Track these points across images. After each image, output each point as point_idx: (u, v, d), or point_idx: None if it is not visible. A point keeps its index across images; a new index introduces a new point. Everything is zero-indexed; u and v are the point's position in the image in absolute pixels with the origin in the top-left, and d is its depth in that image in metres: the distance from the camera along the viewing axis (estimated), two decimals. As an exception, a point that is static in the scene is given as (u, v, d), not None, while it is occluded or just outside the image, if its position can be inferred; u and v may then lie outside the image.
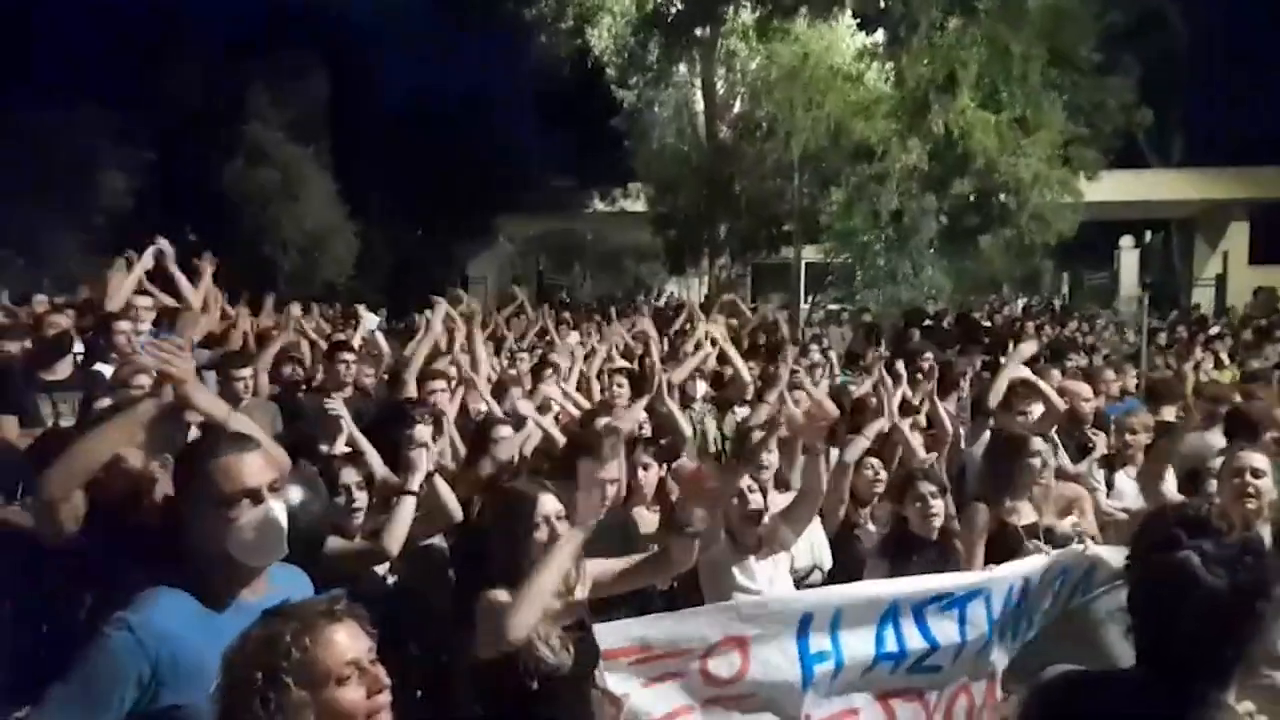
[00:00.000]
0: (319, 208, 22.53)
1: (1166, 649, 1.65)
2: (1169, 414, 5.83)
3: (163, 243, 6.63)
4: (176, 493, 2.24)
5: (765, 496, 3.99)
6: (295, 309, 7.64)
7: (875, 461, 4.64)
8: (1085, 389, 5.98)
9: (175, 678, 1.96)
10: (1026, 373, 5.53)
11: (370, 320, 9.04)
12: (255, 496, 2.11)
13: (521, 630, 2.51)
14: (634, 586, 3.12)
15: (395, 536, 3.31)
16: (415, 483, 3.40)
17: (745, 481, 3.88)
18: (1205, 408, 5.78)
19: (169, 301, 6.96)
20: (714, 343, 7.04)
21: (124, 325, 5.80)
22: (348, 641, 1.73)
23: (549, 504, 2.82)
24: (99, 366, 5.55)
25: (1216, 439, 5.11)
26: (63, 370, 5.38)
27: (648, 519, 4.32)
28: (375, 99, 25.51)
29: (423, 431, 3.79)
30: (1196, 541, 1.62)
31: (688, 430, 5.63)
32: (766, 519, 3.89)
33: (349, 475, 3.46)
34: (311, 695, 1.66)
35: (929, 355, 7.24)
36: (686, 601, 3.68)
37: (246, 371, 5.23)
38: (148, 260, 6.68)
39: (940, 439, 5.39)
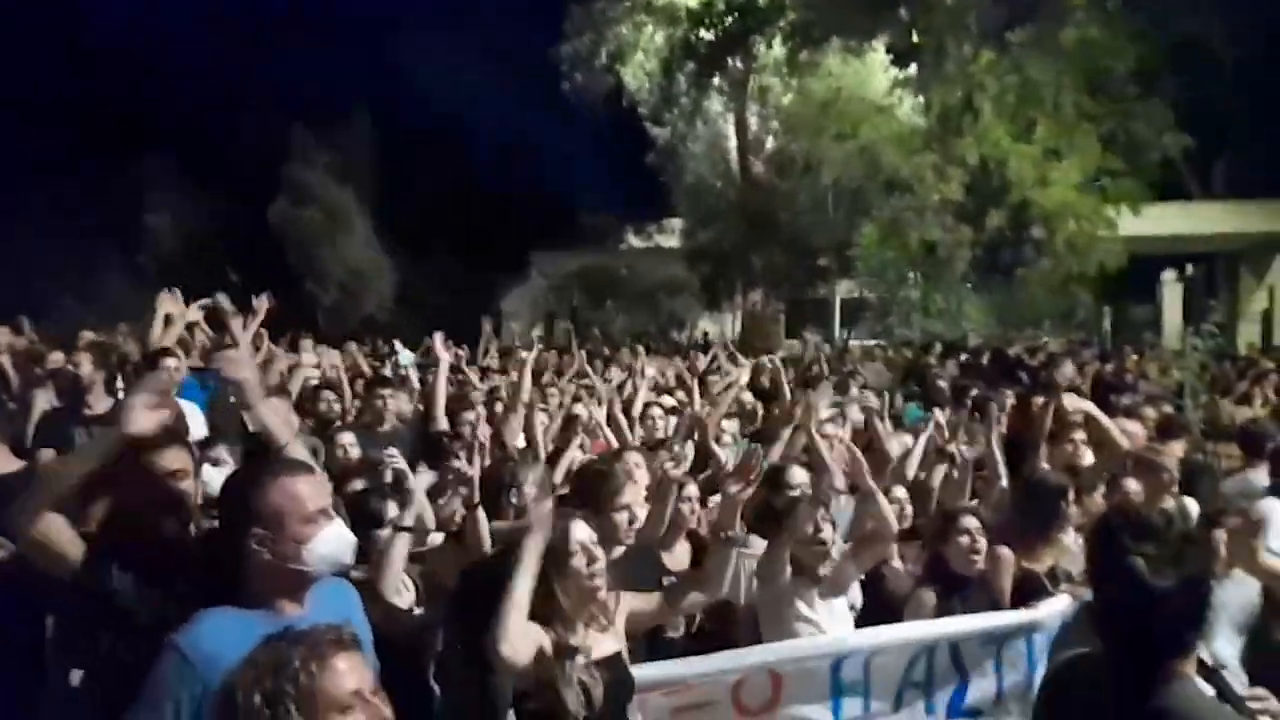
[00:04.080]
0: (359, 246, 22.94)
1: (1130, 640, 1.86)
2: (1177, 450, 5.58)
3: (220, 298, 6.75)
4: (229, 516, 2.31)
5: (835, 532, 3.94)
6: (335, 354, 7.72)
7: (902, 494, 4.56)
8: (1136, 428, 5.72)
9: None
10: (1086, 405, 5.27)
11: (405, 356, 9.13)
12: (327, 514, 2.25)
13: (506, 646, 2.50)
14: (677, 611, 3.14)
15: (388, 575, 3.22)
16: (406, 519, 3.32)
17: (819, 514, 3.83)
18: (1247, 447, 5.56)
19: (213, 337, 7.11)
20: (764, 377, 6.99)
21: (170, 362, 5.89)
22: (353, 671, 1.72)
23: (580, 530, 2.81)
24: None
25: (1260, 478, 4.97)
26: (102, 406, 5.47)
27: (679, 555, 4.27)
28: (414, 139, 26.04)
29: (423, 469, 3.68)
30: (1141, 546, 1.80)
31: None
32: (835, 555, 3.85)
33: (390, 510, 3.44)
34: None
35: (973, 391, 7.10)
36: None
37: (275, 402, 5.24)
38: (194, 313, 6.82)
39: (990, 481, 5.20)
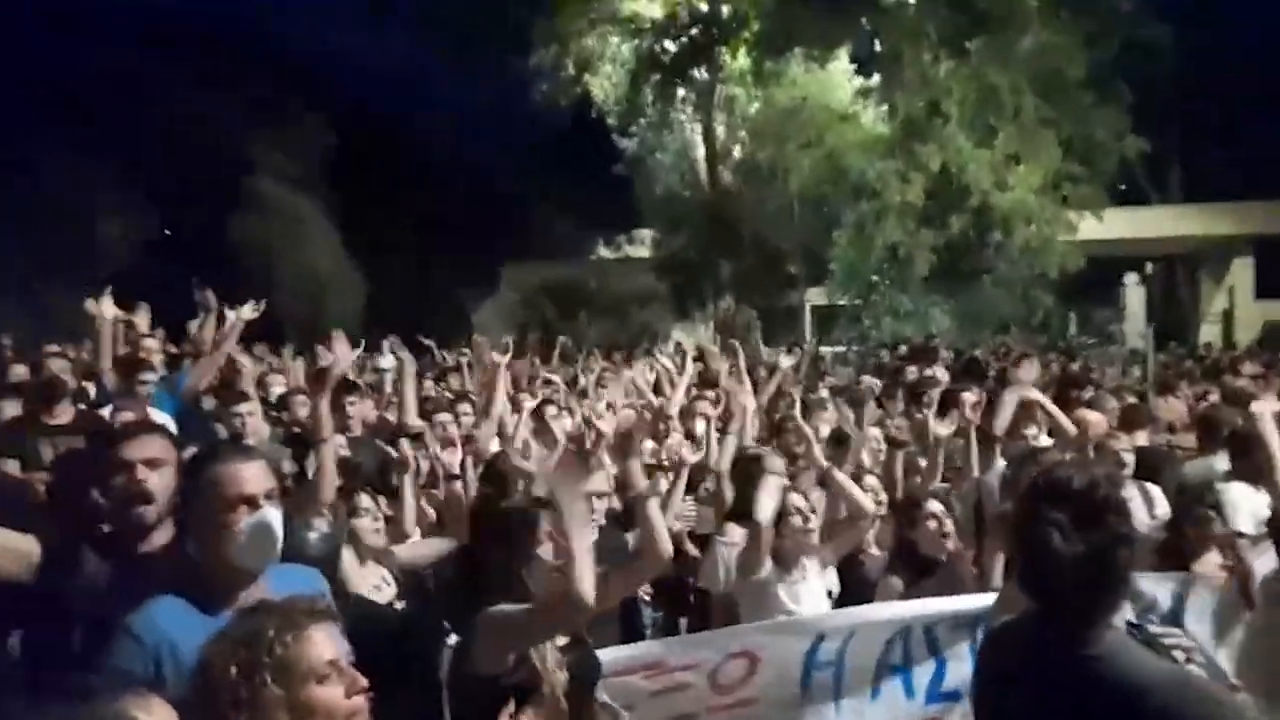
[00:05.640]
0: (323, 257, 22.78)
1: (1050, 601, 1.87)
2: (1141, 439, 5.68)
3: (246, 310, 6.44)
4: (183, 502, 2.32)
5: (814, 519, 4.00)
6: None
7: (874, 483, 4.60)
8: (1097, 418, 5.78)
9: (179, 678, 1.95)
10: (1033, 394, 5.38)
11: (385, 360, 8.98)
12: (252, 503, 2.16)
13: (588, 588, 2.39)
14: (627, 588, 3.11)
15: (325, 484, 3.22)
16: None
17: (799, 502, 3.92)
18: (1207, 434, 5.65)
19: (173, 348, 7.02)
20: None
21: (147, 375, 5.78)
22: (328, 641, 1.72)
23: (546, 520, 2.80)
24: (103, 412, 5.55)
25: (1220, 463, 5.05)
26: (63, 415, 5.39)
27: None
28: (379, 149, 25.91)
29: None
30: (1057, 514, 1.79)
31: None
32: (816, 540, 3.94)
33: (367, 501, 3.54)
34: (288, 693, 1.64)
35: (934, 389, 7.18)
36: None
37: (245, 408, 5.20)
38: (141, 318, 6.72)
39: (962, 471, 5.19)
